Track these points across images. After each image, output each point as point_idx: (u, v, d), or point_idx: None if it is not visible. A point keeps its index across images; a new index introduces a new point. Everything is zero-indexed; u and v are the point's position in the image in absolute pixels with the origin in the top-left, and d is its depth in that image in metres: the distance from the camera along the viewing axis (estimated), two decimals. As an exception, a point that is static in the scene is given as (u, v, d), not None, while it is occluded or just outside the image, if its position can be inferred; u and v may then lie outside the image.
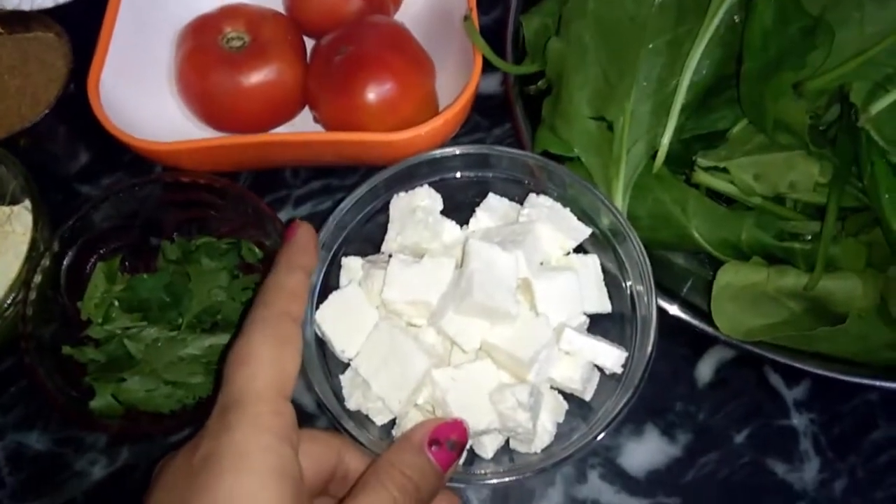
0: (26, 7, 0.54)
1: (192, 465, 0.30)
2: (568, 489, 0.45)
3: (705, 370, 0.48)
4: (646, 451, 0.46)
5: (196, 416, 0.43)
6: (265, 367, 0.32)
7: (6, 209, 0.50)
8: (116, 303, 0.46)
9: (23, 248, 0.47)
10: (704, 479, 0.45)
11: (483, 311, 0.40)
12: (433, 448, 0.35)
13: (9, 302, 0.44)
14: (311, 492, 0.35)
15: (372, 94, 0.49)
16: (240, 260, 0.49)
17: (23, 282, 0.44)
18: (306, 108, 0.55)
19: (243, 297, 0.47)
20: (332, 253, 0.45)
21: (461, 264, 0.43)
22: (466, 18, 0.50)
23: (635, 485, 0.45)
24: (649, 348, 0.40)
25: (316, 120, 0.53)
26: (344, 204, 0.45)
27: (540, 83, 0.53)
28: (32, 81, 0.52)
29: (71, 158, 0.55)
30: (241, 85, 0.51)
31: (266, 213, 0.47)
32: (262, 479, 0.29)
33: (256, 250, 0.48)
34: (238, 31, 0.52)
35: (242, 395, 0.31)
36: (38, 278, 0.44)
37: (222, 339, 0.45)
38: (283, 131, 0.55)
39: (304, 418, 0.48)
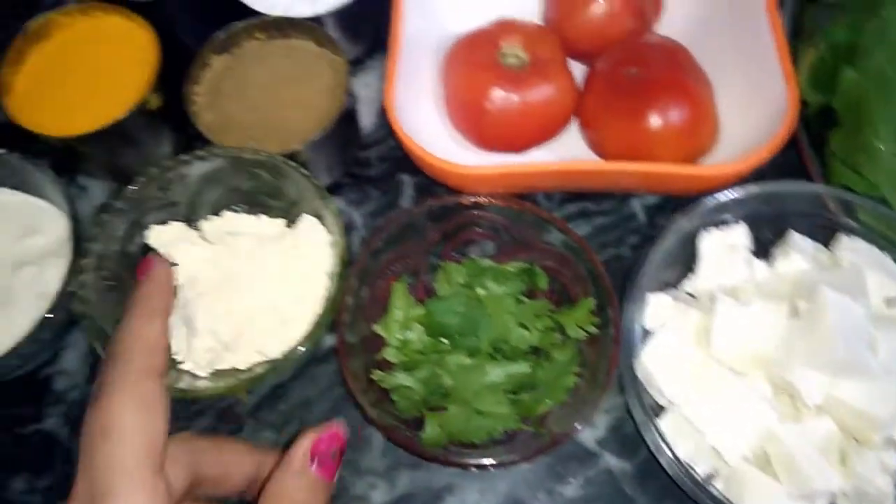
0: (294, 13, 0.53)
1: None
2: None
3: None
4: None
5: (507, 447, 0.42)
6: (131, 440, 0.28)
7: (276, 221, 0.50)
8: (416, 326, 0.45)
9: (315, 263, 0.47)
10: None
11: (839, 366, 0.38)
12: (315, 463, 0.33)
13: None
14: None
15: (668, 120, 0.47)
16: (526, 286, 0.47)
17: (334, 302, 0.43)
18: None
19: (538, 325, 0.45)
20: (640, 289, 0.44)
21: (792, 311, 0.42)
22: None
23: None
24: None
25: (592, 144, 0.51)
26: (659, 242, 0.43)
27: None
28: (305, 92, 0.51)
29: (325, 173, 0.54)
30: (521, 104, 0.49)
31: (574, 239, 0.45)
32: None
33: (546, 277, 0.47)
34: (514, 47, 0.51)
35: (110, 480, 0.28)
36: (349, 300, 0.43)
37: (520, 367, 0.44)
38: (539, 152, 0.53)
39: (585, 457, 0.47)
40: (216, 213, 0.50)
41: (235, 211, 0.50)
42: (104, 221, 0.46)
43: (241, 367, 0.46)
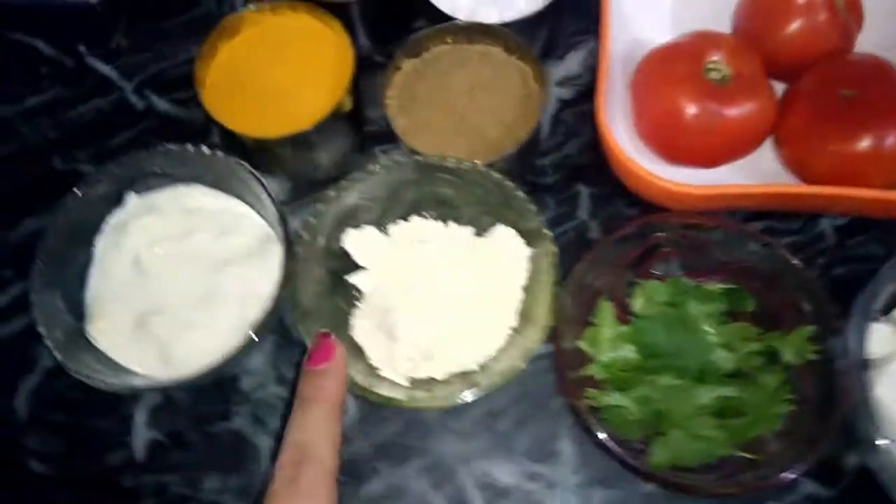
0: (479, 18, 0.52)
1: None
2: None
3: None
4: None
5: (719, 473, 0.42)
6: None
7: (465, 229, 0.49)
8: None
9: (510, 275, 0.46)
10: None
11: None
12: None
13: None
14: None
15: (885, 144, 0.45)
16: (727, 306, 0.46)
17: (551, 318, 0.43)
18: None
19: (743, 348, 0.45)
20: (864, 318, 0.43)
21: None
22: None
23: None
24: None
25: (790, 163, 0.50)
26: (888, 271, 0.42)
27: None
28: (497, 99, 0.50)
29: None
30: (723, 119, 0.48)
31: (794, 267, 0.44)
32: None
33: (752, 299, 0.46)
34: (719, 61, 0.49)
35: None
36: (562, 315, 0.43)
37: (728, 390, 0.43)
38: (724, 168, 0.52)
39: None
40: (405, 217, 0.50)
41: (423, 217, 0.50)
42: (310, 224, 0.46)
43: (438, 377, 0.46)
